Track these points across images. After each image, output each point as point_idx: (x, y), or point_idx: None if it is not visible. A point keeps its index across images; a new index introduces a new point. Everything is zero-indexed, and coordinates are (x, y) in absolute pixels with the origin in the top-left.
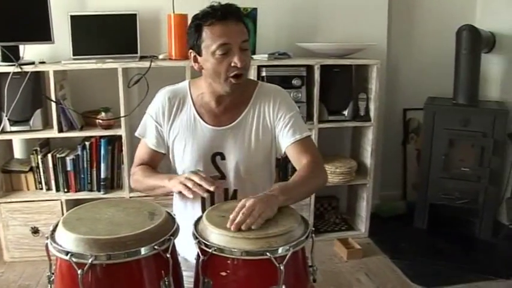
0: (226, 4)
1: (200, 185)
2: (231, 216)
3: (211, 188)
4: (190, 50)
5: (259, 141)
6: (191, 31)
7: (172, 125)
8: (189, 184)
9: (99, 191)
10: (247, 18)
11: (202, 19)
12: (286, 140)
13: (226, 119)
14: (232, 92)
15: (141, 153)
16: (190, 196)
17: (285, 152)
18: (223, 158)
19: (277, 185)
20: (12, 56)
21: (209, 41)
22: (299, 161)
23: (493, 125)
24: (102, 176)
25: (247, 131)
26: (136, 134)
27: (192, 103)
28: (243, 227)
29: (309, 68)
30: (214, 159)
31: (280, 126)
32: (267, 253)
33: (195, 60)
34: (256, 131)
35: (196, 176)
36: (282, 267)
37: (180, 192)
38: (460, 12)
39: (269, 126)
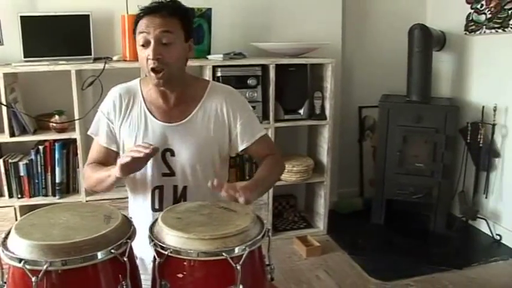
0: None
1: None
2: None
3: (147, 150)
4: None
5: (209, 140)
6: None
7: (123, 121)
8: (132, 154)
9: (54, 195)
10: (202, 18)
11: (139, 13)
12: (245, 141)
13: (176, 115)
14: (158, 86)
15: (93, 152)
16: (140, 155)
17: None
18: (172, 154)
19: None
20: None
21: (137, 33)
22: (261, 157)
23: (444, 121)
24: (57, 180)
25: (198, 129)
26: (88, 132)
27: (142, 99)
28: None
29: (264, 68)
30: (164, 155)
31: (237, 128)
32: (223, 253)
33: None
34: (207, 130)
35: (134, 147)
36: (238, 267)
37: (126, 166)
38: (412, 11)
39: (223, 127)
